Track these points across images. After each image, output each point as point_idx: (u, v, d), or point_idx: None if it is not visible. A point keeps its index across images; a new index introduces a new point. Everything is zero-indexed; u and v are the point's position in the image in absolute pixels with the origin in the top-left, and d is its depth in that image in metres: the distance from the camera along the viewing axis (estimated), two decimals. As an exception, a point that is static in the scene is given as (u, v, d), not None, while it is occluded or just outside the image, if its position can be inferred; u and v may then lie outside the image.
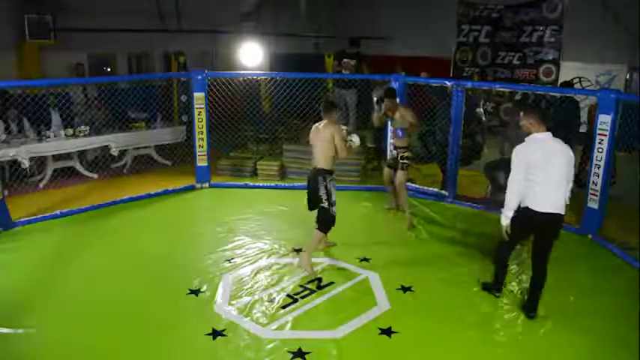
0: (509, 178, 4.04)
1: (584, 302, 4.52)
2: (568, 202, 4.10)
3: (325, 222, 4.91)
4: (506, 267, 4.51)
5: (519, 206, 4.05)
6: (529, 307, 4.24)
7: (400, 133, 6.13)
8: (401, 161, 6.14)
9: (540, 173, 3.92)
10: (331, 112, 4.97)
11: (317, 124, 5.02)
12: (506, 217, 4.09)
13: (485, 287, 4.60)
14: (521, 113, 4.13)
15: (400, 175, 6.16)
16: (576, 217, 6.02)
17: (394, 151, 6.32)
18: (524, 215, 4.04)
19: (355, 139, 5.14)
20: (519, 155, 4.02)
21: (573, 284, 4.83)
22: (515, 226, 4.10)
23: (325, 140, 4.81)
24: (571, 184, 4.13)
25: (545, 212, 3.96)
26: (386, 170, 6.53)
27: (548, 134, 4.05)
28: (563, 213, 4.03)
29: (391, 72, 7.47)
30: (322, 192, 4.84)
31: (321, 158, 4.88)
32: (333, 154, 4.84)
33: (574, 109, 7.53)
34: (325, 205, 4.86)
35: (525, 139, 4.07)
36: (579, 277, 5.04)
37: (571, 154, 4.04)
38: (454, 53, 11.06)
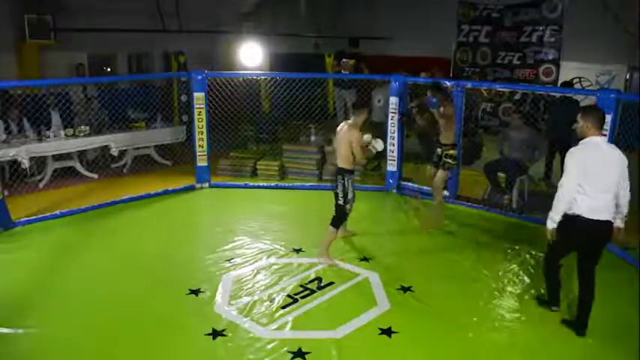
0: (561, 181, 3.81)
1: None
2: (626, 213, 3.88)
3: (337, 217, 5.16)
4: (559, 280, 4.22)
5: (566, 213, 3.82)
6: (580, 324, 3.98)
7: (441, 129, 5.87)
8: (444, 159, 5.87)
9: (592, 179, 3.71)
10: (360, 112, 5.05)
11: (342, 125, 5.15)
12: (552, 222, 3.86)
13: (542, 302, 4.37)
14: (579, 115, 3.87)
15: (440, 174, 5.94)
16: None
17: (439, 149, 5.93)
18: (573, 223, 3.81)
19: (378, 145, 5.28)
20: (577, 159, 3.77)
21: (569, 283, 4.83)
22: (562, 235, 3.87)
23: (344, 143, 5.00)
24: (628, 196, 3.85)
25: (595, 220, 3.75)
26: (429, 168, 6.24)
27: (604, 139, 3.88)
28: (612, 220, 3.82)
29: (391, 72, 7.45)
30: (339, 189, 5.07)
31: (341, 158, 5.08)
32: (352, 156, 5.01)
33: (573, 109, 7.53)
34: (340, 202, 5.09)
35: (580, 142, 3.84)
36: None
37: (626, 161, 3.80)
38: (454, 53, 11.07)
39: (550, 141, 7.65)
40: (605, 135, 3.95)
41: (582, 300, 3.98)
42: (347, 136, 4.97)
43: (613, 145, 3.88)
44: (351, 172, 5.07)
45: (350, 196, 5.08)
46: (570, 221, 3.81)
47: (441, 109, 5.68)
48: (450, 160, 5.88)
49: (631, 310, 4.28)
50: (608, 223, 3.80)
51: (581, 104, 7.75)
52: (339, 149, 5.06)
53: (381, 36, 13.05)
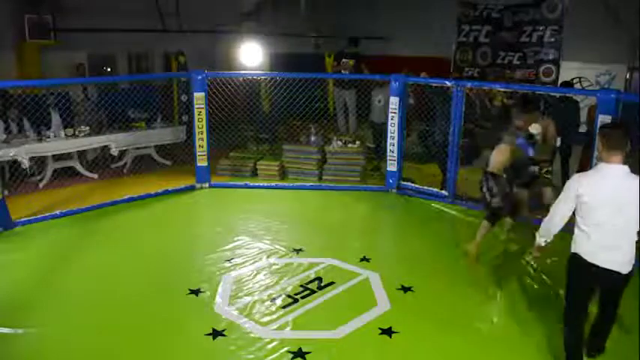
0: (554, 203, 3.36)
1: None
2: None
3: (490, 213, 5.26)
4: (581, 352, 3.44)
5: (574, 254, 3.29)
6: (593, 347, 3.55)
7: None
8: (545, 176, 5.62)
9: (600, 216, 3.09)
10: (531, 113, 5.20)
11: (500, 146, 5.24)
12: (538, 242, 3.51)
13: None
14: (598, 131, 3.36)
15: (549, 192, 5.63)
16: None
17: (534, 167, 5.56)
18: (578, 264, 3.26)
19: (534, 129, 5.32)
20: (572, 184, 3.22)
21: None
22: (571, 280, 3.35)
23: (500, 155, 5.23)
24: None
25: (603, 268, 3.16)
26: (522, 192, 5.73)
27: (624, 168, 3.09)
28: (627, 271, 3.17)
29: (391, 72, 7.45)
30: (485, 189, 5.21)
31: (494, 165, 5.24)
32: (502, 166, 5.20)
33: (573, 109, 7.54)
34: (488, 199, 5.20)
35: (594, 167, 3.25)
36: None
37: None
38: (454, 53, 11.07)
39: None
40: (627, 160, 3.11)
41: (600, 326, 3.50)
42: (504, 154, 5.18)
43: (633, 176, 3.09)
44: (496, 176, 5.20)
45: (495, 190, 5.17)
46: (575, 263, 3.29)
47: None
48: (549, 177, 5.68)
49: (631, 310, 4.27)
50: (621, 276, 3.16)
51: (581, 104, 7.80)
52: (495, 157, 5.25)
53: (381, 36, 13.05)
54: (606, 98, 5.65)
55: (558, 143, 5.87)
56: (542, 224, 3.43)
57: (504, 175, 5.20)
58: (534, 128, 5.29)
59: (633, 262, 3.17)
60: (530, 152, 5.41)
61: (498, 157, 5.25)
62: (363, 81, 8.50)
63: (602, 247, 3.14)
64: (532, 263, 4.77)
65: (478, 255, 5.18)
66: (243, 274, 4.91)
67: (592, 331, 3.54)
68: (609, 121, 5.57)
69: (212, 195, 7.42)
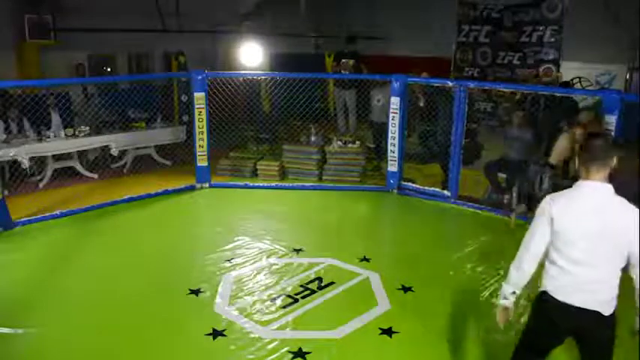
0: (522, 245, 2.70)
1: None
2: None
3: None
4: None
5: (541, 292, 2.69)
6: None
7: None
8: None
9: (578, 246, 2.51)
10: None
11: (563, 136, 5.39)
12: (503, 297, 2.75)
13: None
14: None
15: None
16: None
17: None
18: (546, 304, 2.66)
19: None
20: (545, 207, 2.60)
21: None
22: (534, 322, 2.77)
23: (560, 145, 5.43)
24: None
25: (579, 308, 2.56)
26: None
27: (607, 187, 2.51)
28: (607, 312, 2.56)
29: (391, 72, 7.46)
30: (539, 179, 5.47)
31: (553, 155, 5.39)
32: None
33: (572, 109, 7.52)
34: (536, 189, 5.43)
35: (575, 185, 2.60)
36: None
37: (634, 222, 2.46)
38: (454, 53, 11.08)
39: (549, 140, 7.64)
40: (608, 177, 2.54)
41: None
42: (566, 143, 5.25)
43: (622, 201, 2.51)
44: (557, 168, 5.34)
45: (545, 186, 5.37)
46: (541, 303, 2.71)
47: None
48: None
49: (631, 310, 4.27)
50: (598, 316, 2.55)
51: (581, 104, 7.79)
52: (557, 148, 5.37)
53: (381, 36, 13.05)
54: (611, 99, 5.64)
55: None
56: (510, 270, 2.72)
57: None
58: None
59: (615, 303, 2.60)
60: None
61: (560, 146, 5.26)
62: (363, 81, 8.49)
63: (579, 283, 2.55)
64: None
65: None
66: (243, 274, 4.91)
67: None
68: (613, 121, 5.58)
69: (212, 195, 7.42)
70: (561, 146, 5.14)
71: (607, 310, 2.56)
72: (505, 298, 2.74)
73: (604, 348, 2.66)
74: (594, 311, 2.55)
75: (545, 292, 2.65)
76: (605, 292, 2.55)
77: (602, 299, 2.56)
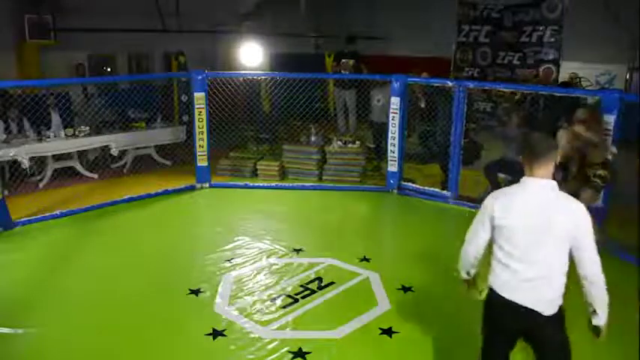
0: (465, 240, 2.79)
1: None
2: (605, 303, 2.56)
3: None
4: None
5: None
6: None
7: None
8: (593, 180, 5.29)
9: (520, 244, 2.51)
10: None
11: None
12: (462, 278, 2.95)
13: None
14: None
15: (588, 195, 5.28)
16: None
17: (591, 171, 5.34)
18: (492, 302, 2.67)
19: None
20: (488, 203, 2.62)
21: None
22: (485, 323, 2.80)
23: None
24: (598, 277, 2.50)
25: (523, 307, 2.54)
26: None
27: (550, 184, 2.51)
28: (547, 311, 2.52)
29: (390, 72, 7.46)
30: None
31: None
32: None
33: (573, 106, 7.52)
34: None
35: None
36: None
37: (583, 219, 2.46)
38: (454, 53, 11.08)
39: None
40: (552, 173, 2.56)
41: None
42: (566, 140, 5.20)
43: (567, 197, 2.52)
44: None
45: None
46: (488, 301, 2.72)
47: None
48: (598, 181, 5.29)
49: (631, 310, 4.28)
50: (538, 317, 2.52)
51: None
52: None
53: (381, 36, 13.05)
54: (610, 98, 5.64)
55: (614, 150, 5.50)
56: (459, 263, 2.86)
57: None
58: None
59: (559, 303, 2.56)
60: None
61: (561, 144, 5.11)
62: (363, 81, 8.50)
63: (519, 280, 2.52)
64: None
65: None
66: (243, 274, 4.91)
67: None
68: (612, 120, 5.58)
69: (212, 195, 7.42)
70: (561, 144, 5.11)
71: (547, 310, 2.52)
72: (463, 275, 2.92)
73: (554, 350, 2.60)
74: (535, 309, 2.52)
75: (492, 290, 2.65)
76: (545, 290, 2.52)
77: (543, 297, 2.52)
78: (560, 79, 9.98)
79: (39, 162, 7.41)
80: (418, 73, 7.66)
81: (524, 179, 2.54)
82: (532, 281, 2.51)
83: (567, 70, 10.15)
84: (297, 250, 5.42)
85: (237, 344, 3.80)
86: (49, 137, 7.22)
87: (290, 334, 3.95)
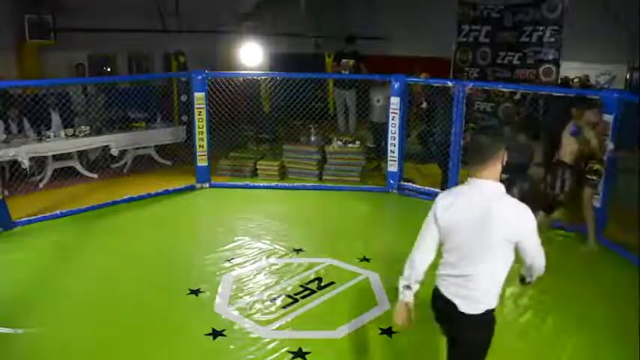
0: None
1: (584, 299, 4.52)
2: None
3: (549, 204, 5.50)
4: None
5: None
6: None
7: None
8: (588, 176, 5.35)
9: (457, 239, 2.53)
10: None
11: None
12: (400, 292, 2.72)
13: None
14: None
15: (588, 192, 5.42)
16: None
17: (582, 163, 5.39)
18: (433, 296, 2.71)
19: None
20: (435, 205, 2.63)
21: (574, 281, 4.84)
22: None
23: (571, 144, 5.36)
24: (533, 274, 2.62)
25: (447, 299, 2.58)
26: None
27: (494, 185, 2.48)
28: (472, 311, 2.52)
29: (390, 72, 7.46)
30: (558, 180, 5.39)
31: (564, 153, 5.41)
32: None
33: (572, 108, 7.51)
34: (557, 190, 5.41)
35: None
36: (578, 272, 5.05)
37: (519, 221, 2.43)
38: (454, 53, 11.06)
39: (549, 140, 7.63)
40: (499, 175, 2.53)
41: None
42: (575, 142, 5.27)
43: (511, 200, 2.47)
44: (571, 167, 5.37)
45: (568, 182, 5.38)
46: (433, 295, 2.71)
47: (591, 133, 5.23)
48: (594, 177, 5.35)
49: (631, 310, 4.28)
50: (456, 309, 2.54)
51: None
52: (568, 146, 5.37)
53: (381, 36, 13.05)
54: (609, 98, 5.65)
55: (611, 146, 5.54)
56: (404, 267, 2.72)
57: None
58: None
59: (487, 307, 2.54)
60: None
61: (572, 145, 5.23)
62: (363, 81, 8.49)
63: (453, 277, 2.57)
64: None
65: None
66: (243, 274, 4.91)
67: None
68: (610, 120, 5.59)
69: (212, 195, 7.42)
70: (572, 151, 5.24)
71: (473, 309, 2.52)
72: (402, 292, 2.71)
73: (468, 350, 2.63)
74: (453, 302, 2.55)
75: (436, 286, 2.68)
76: (474, 290, 2.51)
77: (463, 294, 2.53)
78: (563, 82, 9.97)
79: (39, 162, 7.41)
80: (418, 73, 7.67)
81: (471, 179, 2.53)
82: (459, 277, 2.53)
83: (567, 70, 10.14)
84: (297, 250, 5.42)
85: (237, 344, 3.80)
86: (49, 137, 7.22)
87: (290, 334, 3.95)
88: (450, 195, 2.63)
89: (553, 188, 5.44)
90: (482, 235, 2.42)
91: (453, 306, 2.54)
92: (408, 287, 2.70)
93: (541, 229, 5.20)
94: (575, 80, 9.97)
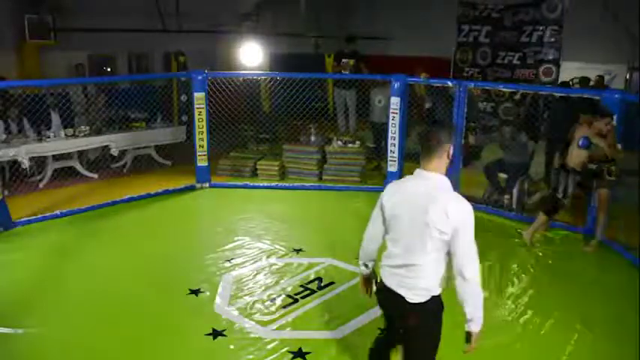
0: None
1: (584, 299, 4.52)
2: (479, 316, 2.55)
3: (552, 208, 5.57)
4: None
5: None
6: None
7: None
8: (607, 177, 5.31)
9: (397, 227, 2.61)
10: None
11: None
12: (360, 270, 2.96)
13: None
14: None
15: (604, 193, 5.39)
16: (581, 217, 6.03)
17: (592, 166, 5.36)
18: (377, 288, 2.83)
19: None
20: (383, 193, 2.74)
21: (576, 281, 4.84)
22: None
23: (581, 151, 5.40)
24: (473, 284, 2.47)
25: (388, 287, 2.64)
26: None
27: (437, 178, 2.52)
28: (413, 299, 2.54)
29: (391, 72, 7.45)
30: (563, 185, 5.52)
31: (573, 159, 5.46)
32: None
33: (572, 107, 7.51)
34: (560, 194, 5.53)
35: None
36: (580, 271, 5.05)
37: (457, 214, 2.42)
38: (454, 53, 11.06)
39: (549, 140, 7.64)
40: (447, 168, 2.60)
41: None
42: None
43: (453, 195, 2.49)
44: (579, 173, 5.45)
45: (571, 188, 5.53)
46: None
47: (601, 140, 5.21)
48: (612, 178, 5.32)
49: (632, 310, 4.28)
50: (401, 300, 2.57)
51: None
52: (577, 153, 5.40)
53: (381, 36, 13.05)
54: (611, 99, 5.65)
55: (619, 147, 5.47)
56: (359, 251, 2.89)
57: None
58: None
59: (433, 293, 2.56)
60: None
61: (581, 156, 5.27)
62: (363, 81, 8.49)
63: (393, 266, 2.62)
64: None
65: (533, 242, 5.61)
66: (243, 274, 4.91)
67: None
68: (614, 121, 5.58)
69: (212, 195, 7.42)
70: (582, 158, 5.28)
71: (414, 298, 2.55)
72: (360, 269, 2.96)
73: (409, 337, 2.68)
74: (400, 295, 2.57)
75: (380, 278, 2.74)
76: (413, 279, 2.54)
77: (410, 284, 2.56)
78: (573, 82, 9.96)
79: (39, 162, 7.41)
80: (418, 73, 7.66)
81: (417, 171, 2.60)
82: (401, 268, 2.58)
83: (567, 70, 10.14)
84: (297, 250, 5.42)
85: (237, 344, 3.80)
86: (49, 137, 7.22)
87: (290, 334, 3.95)
88: (395, 184, 2.74)
89: (557, 191, 5.47)
90: (421, 224, 2.46)
91: (398, 295, 2.58)
92: (365, 265, 2.93)
93: (537, 230, 5.22)
94: (591, 83, 9.92)
